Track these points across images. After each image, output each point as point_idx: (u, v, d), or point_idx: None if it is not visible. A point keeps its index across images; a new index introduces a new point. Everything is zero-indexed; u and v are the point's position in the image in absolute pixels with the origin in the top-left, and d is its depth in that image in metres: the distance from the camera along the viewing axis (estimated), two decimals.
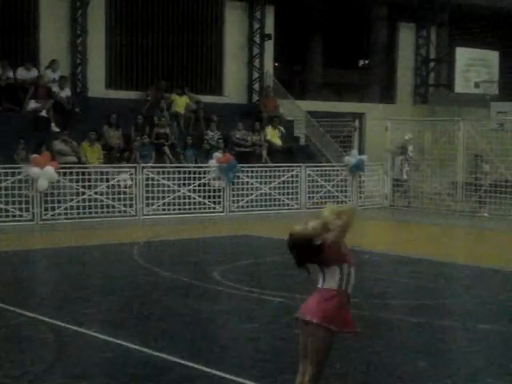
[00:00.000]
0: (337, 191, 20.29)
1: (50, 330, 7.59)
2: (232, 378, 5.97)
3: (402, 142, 20.69)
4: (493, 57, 25.99)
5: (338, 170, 20.50)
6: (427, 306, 8.98)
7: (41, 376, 6.13)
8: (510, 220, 18.08)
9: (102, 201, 17.14)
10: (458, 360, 6.72)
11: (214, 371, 6.14)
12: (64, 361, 6.60)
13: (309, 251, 4.63)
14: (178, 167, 18.41)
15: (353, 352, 6.73)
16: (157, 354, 6.62)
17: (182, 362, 6.38)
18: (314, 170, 19.91)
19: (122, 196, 17.41)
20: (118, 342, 7.02)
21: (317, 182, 19.87)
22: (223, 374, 6.05)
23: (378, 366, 6.46)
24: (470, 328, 7.85)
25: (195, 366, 6.27)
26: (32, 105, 18.47)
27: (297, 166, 19.63)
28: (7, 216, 16.02)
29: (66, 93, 19.00)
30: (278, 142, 20.77)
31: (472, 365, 6.52)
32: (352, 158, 20.50)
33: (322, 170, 20.18)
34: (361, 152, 22.77)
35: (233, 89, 22.88)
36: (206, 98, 21.58)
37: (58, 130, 18.16)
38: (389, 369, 6.37)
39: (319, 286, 4.75)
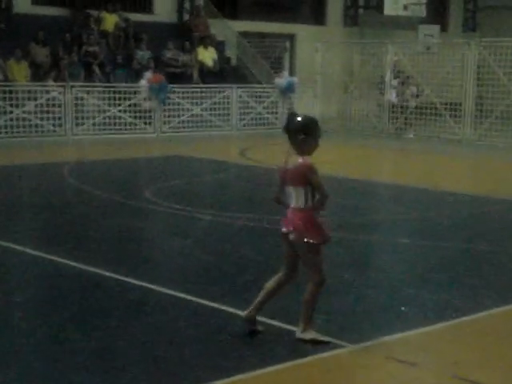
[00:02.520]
0: (267, 113, 20.42)
1: None
2: (164, 290, 6.11)
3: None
4: None
5: (268, 92, 20.58)
6: (352, 222, 9.29)
7: None
8: (434, 141, 18.61)
9: (30, 120, 16.88)
10: (381, 272, 7.00)
11: (146, 284, 6.27)
12: None
13: None
14: (107, 87, 18.18)
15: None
16: (89, 268, 6.70)
17: (115, 275, 6.48)
18: (245, 92, 19.95)
19: (50, 115, 17.17)
20: (50, 257, 7.07)
21: (248, 103, 19.95)
22: (155, 287, 6.18)
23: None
24: (392, 243, 8.21)
25: (127, 279, 6.38)
26: None
27: (228, 88, 19.62)
28: None
29: None
30: (209, 62, 20.63)
31: (394, 276, 6.82)
32: (283, 79, 20.57)
33: (252, 92, 20.22)
34: (292, 73, 22.84)
35: (163, 7, 22.46)
36: (136, 17, 21.16)
37: None
38: None
39: (299, 205, 5.02)
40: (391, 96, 20.16)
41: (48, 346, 4.95)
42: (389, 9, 25.90)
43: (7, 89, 16.67)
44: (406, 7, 25.62)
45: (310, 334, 5.03)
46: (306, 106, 21.39)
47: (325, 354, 4.85)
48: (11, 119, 16.67)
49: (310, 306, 5.06)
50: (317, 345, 4.95)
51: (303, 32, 25.12)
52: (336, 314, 5.67)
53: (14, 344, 4.97)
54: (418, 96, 19.84)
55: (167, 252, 7.73)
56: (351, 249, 7.88)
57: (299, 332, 5.05)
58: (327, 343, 5.00)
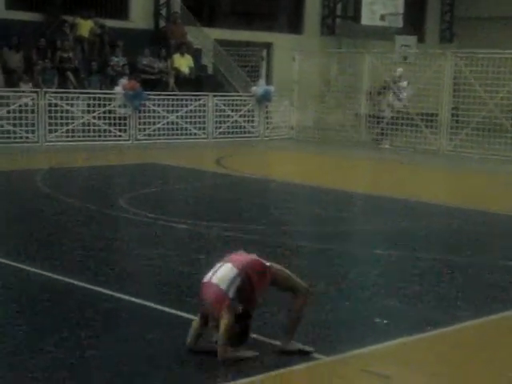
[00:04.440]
0: (244, 121, 20.37)
1: None
2: (138, 300, 6.03)
3: (393, 77, 19.86)
4: None
5: (245, 100, 20.54)
6: (328, 232, 9.27)
7: None
8: (410, 151, 18.67)
9: (2, 126, 16.67)
10: (356, 283, 6.97)
11: (117, 294, 6.19)
12: None
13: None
14: (82, 93, 18.02)
15: None
16: (61, 278, 6.61)
17: (86, 285, 6.40)
18: (221, 100, 19.89)
19: (23, 121, 16.97)
20: (20, 266, 6.98)
21: (224, 111, 19.88)
22: (127, 297, 6.10)
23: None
24: (368, 253, 8.18)
25: (99, 289, 6.31)
26: None
27: (204, 95, 19.54)
28: None
29: None
30: (185, 70, 20.55)
31: (369, 287, 6.78)
32: (259, 88, 20.54)
33: (229, 100, 20.17)
34: (268, 82, 22.82)
35: (139, 14, 22.34)
36: (111, 23, 20.99)
37: None
38: None
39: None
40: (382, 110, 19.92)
41: (17, 356, 4.84)
42: (366, 19, 26.03)
43: None
44: (383, 17, 25.78)
45: (294, 346, 4.98)
46: (282, 115, 21.39)
47: (299, 366, 4.81)
48: None
49: (298, 319, 5.03)
50: (304, 355, 4.92)
51: (280, 41, 25.13)
52: (310, 325, 5.59)
53: None
54: (393, 106, 19.87)
55: (141, 261, 7.61)
56: (326, 259, 7.84)
57: (284, 344, 5.00)
58: (311, 352, 4.97)
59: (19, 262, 7.10)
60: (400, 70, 19.72)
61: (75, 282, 6.49)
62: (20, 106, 16.93)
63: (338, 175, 14.84)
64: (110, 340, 5.17)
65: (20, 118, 16.90)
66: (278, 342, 5.08)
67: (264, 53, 24.90)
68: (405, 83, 19.78)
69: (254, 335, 5.21)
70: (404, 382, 4.71)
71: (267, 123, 20.91)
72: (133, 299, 6.07)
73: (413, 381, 4.72)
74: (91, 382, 4.47)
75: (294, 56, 21.36)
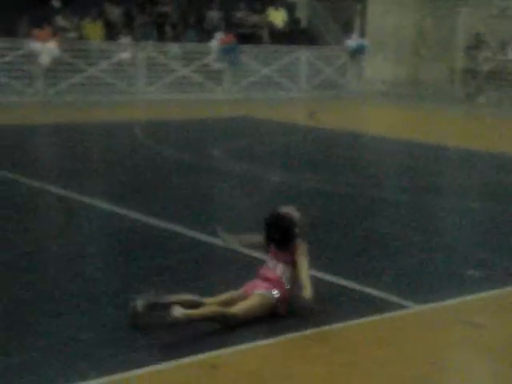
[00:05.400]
0: (337, 75, 20.31)
1: (57, 199, 7.91)
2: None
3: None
4: None
5: (338, 54, 20.45)
6: (420, 185, 9.28)
7: (50, 242, 6.40)
8: (506, 106, 18.24)
9: (103, 78, 17.22)
10: (450, 234, 7.01)
11: (215, 240, 6.45)
12: (71, 228, 6.82)
13: None
14: (179, 47, 18.36)
15: (349, 227, 7.09)
16: (158, 223, 6.85)
17: (184, 231, 6.62)
18: (314, 54, 19.87)
19: (123, 74, 17.47)
20: (122, 212, 7.25)
21: (317, 65, 19.87)
22: (221, 243, 6.29)
23: (374, 240, 6.72)
24: (462, 206, 8.17)
25: (196, 234, 6.51)
26: None
27: (297, 49, 19.57)
28: (10, 91, 16.17)
29: None
30: (279, 23, 20.60)
31: (462, 239, 6.84)
32: (353, 41, 20.41)
33: (322, 54, 20.13)
34: (362, 36, 22.60)
35: None
36: None
37: (59, 6, 18.00)
38: (384, 242, 6.62)
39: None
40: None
41: (120, 296, 5.05)
42: None
43: (81, 47, 17.02)
44: None
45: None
46: (375, 69, 21.20)
47: (392, 314, 4.87)
48: (85, 78, 17.04)
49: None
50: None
51: None
52: (403, 275, 5.69)
53: (87, 292, 5.16)
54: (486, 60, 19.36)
55: (235, 210, 7.86)
56: (417, 211, 7.89)
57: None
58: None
59: (119, 207, 7.39)
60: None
61: (172, 228, 6.72)
62: (120, 59, 17.43)
63: (430, 129, 14.72)
64: (207, 284, 5.33)
65: (119, 71, 17.41)
66: (359, 287, 5.18)
67: (358, 6, 24.58)
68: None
69: (337, 280, 5.33)
70: (497, 331, 4.72)
71: (360, 77, 20.79)
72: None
73: (505, 331, 4.74)
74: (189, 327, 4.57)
75: (389, 9, 21.05)
